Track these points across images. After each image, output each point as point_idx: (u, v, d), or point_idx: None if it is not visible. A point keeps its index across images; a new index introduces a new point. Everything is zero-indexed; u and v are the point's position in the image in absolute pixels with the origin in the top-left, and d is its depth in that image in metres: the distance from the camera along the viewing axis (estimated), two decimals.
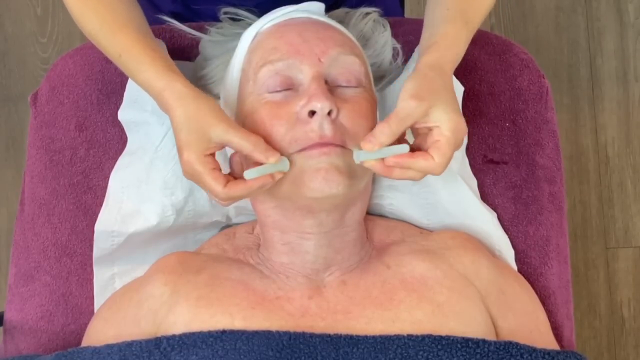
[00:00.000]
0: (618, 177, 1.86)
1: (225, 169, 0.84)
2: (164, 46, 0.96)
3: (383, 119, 0.79)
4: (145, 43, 0.86)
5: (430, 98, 0.78)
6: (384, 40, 0.98)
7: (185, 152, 0.80)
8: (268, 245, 0.91)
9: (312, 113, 0.81)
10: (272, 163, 0.80)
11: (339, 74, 0.85)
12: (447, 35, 0.85)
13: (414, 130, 0.81)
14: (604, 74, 1.90)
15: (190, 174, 0.81)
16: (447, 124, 0.78)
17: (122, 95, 1.02)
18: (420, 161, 0.78)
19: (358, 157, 0.80)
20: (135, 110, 1.01)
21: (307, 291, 0.87)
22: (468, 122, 1.04)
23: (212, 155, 0.81)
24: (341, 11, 0.99)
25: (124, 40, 0.85)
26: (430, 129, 0.79)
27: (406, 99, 0.78)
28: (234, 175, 0.83)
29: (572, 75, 1.90)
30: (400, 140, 0.81)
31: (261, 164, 0.80)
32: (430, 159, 0.78)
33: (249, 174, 0.80)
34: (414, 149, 0.81)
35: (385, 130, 0.77)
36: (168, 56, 0.88)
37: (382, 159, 0.78)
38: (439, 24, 0.86)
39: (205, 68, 0.97)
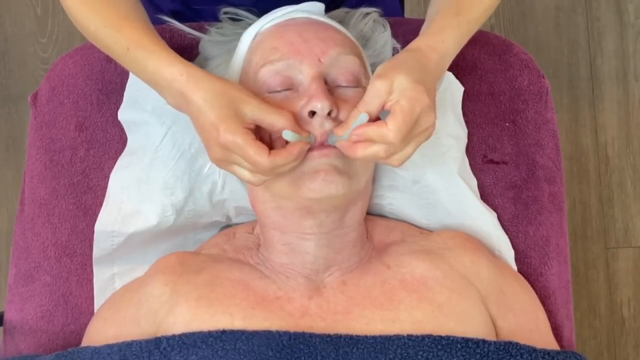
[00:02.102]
0: (618, 177, 1.86)
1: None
2: None
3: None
4: (152, 34, 0.85)
5: (392, 74, 0.77)
6: (384, 40, 0.98)
7: (222, 125, 0.76)
8: (268, 245, 0.91)
9: (312, 113, 0.81)
10: (305, 137, 0.79)
11: (339, 74, 0.85)
12: (433, 25, 0.85)
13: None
14: (604, 74, 1.90)
15: (227, 150, 0.78)
16: (404, 93, 0.77)
17: (122, 95, 1.02)
18: (374, 128, 0.76)
19: (331, 139, 0.80)
20: (135, 110, 1.01)
21: (307, 291, 0.87)
22: (468, 122, 1.05)
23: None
24: (341, 11, 0.99)
25: (131, 33, 0.83)
26: None
27: (372, 81, 0.78)
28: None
29: (572, 75, 1.90)
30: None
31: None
32: (383, 125, 0.76)
33: (287, 133, 0.78)
34: None
35: (355, 115, 0.78)
36: None
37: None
38: (432, 17, 0.87)
39: (205, 68, 0.97)
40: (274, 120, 0.78)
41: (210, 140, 0.79)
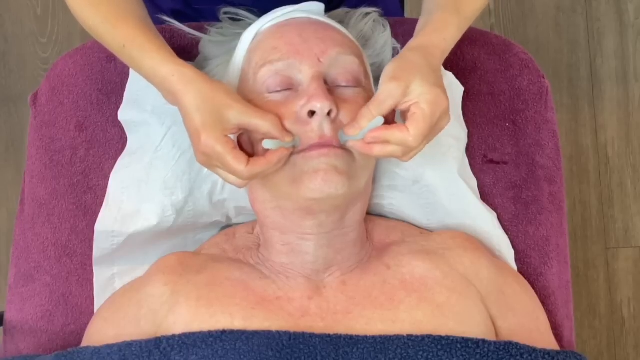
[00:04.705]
0: (618, 177, 1.86)
1: None
2: None
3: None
4: (148, 32, 0.85)
5: (407, 77, 0.78)
6: (384, 40, 0.98)
7: (203, 133, 0.78)
8: (268, 245, 0.91)
9: (312, 113, 0.81)
10: (289, 142, 0.80)
11: (339, 74, 0.85)
12: (435, 21, 0.86)
13: (401, 114, 0.81)
14: (604, 74, 1.90)
15: (208, 156, 0.80)
16: (424, 97, 0.78)
17: (122, 95, 1.02)
18: (395, 132, 0.78)
19: (341, 138, 0.80)
20: (135, 111, 1.01)
21: (307, 291, 0.87)
22: (468, 122, 1.05)
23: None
24: (341, 11, 0.99)
25: (126, 31, 0.84)
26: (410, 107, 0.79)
27: (385, 82, 0.79)
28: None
29: (572, 75, 1.90)
30: (389, 124, 0.81)
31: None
32: (405, 130, 0.78)
33: (267, 143, 0.79)
34: None
35: (366, 115, 0.78)
36: (169, 47, 0.87)
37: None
38: (431, 12, 0.87)
39: (205, 68, 0.97)
40: (258, 124, 0.79)
41: (194, 145, 0.81)
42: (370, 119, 0.78)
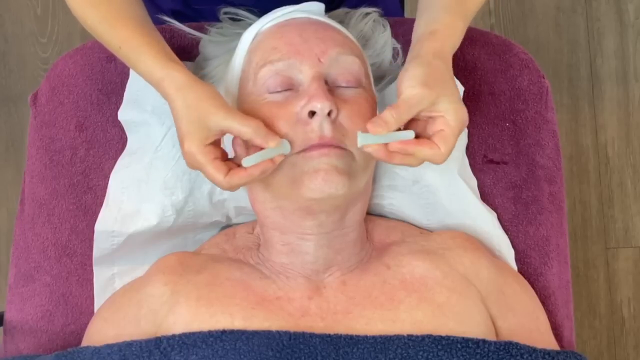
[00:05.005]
0: (618, 177, 1.86)
1: (230, 152, 0.84)
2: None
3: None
4: (145, 34, 0.86)
5: (438, 88, 0.78)
6: (384, 40, 0.98)
7: (185, 142, 0.80)
8: (268, 245, 0.91)
9: (312, 113, 0.81)
10: (273, 147, 0.80)
11: (339, 74, 0.85)
12: (447, 25, 0.85)
13: (415, 120, 0.81)
14: (604, 74, 1.90)
15: (191, 164, 0.82)
16: (453, 114, 0.78)
17: (122, 95, 1.02)
18: (425, 149, 0.78)
19: (362, 140, 0.79)
20: (135, 111, 1.01)
21: (307, 291, 0.87)
22: (468, 122, 1.04)
23: (214, 143, 0.81)
24: (341, 11, 0.99)
25: (123, 32, 0.85)
26: (432, 118, 0.79)
27: (415, 86, 0.77)
28: (238, 160, 0.83)
29: (572, 75, 1.90)
30: (404, 127, 0.81)
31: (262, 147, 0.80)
32: (435, 148, 0.78)
33: (247, 161, 0.80)
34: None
35: (394, 116, 0.77)
36: (168, 46, 0.87)
37: (385, 144, 0.78)
38: (439, 10, 0.86)
39: (205, 68, 0.97)
40: (240, 130, 0.79)
41: (181, 149, 0.82)
42: (400, 123, 0.77)
